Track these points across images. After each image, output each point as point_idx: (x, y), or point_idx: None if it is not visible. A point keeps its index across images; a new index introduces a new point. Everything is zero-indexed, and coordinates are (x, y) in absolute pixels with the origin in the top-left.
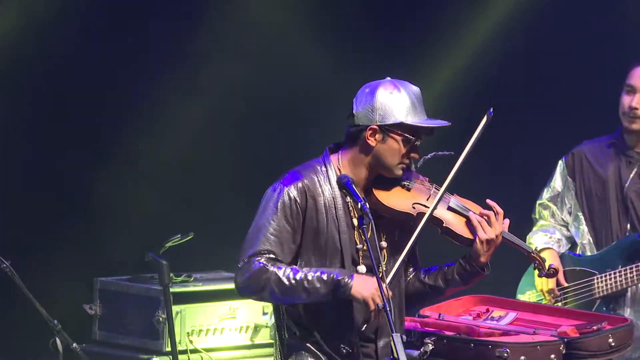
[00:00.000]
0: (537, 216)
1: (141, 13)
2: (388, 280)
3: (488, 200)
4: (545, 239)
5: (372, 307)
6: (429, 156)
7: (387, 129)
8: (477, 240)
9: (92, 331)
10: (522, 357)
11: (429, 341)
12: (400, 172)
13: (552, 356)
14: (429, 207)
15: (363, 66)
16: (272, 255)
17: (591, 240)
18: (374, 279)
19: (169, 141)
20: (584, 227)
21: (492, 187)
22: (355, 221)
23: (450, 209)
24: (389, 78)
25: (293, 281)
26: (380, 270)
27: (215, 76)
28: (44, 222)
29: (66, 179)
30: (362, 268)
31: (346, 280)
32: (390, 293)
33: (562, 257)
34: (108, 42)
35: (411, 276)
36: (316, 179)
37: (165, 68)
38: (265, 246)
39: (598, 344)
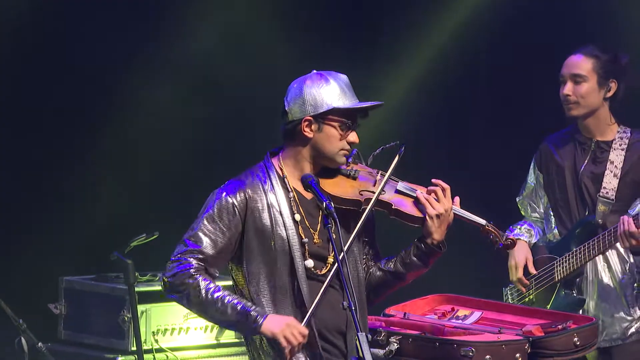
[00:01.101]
0: (522, 213)
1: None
2: (341, 254)
3: (433, 180)
4: (521, 230)
5: (284, 344)
6: (377, 151)
7: (321, 117)
8: (427, 217)
9: (58, 330)
10: (488, 356)
11: (394, 340)
12: (343, 160)
13: (517, 355)
14: (375, 192)
15: (331, 63)
16: (201, 256)
17: (557, 230)
18: (289, 317)
19: (134, 140)
20: (552, 218)
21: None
22: (297, 217)
23: (397, 191)
24: (314, 71)
25: (210, 297)
26: (327, 264)
27: (181, 75)
28: (7, 221)
29: (30, 177)
30: (309, 262)
31: (257, 317)
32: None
33: (533, 246)
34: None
35: (373, 267)
36: (257, 183)
37: (133, 66)
38: (197, 245)
39: (563, 343)
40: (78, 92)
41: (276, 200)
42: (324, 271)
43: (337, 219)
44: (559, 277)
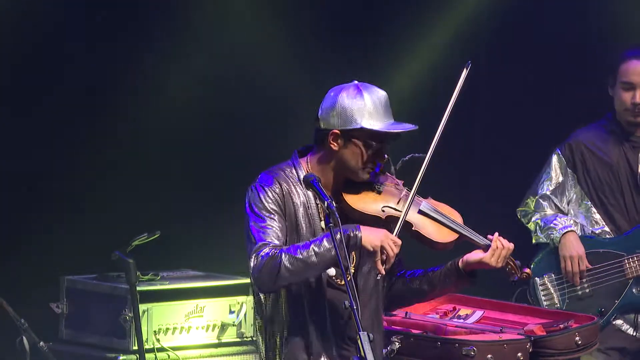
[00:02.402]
0: (531, 208)
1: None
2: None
3: (498, 238)
4: (568, 221)
5: (391, 252)
6: (406, 158)
7: (348, 134)
8: (487, 260)
9: (59, 330)
10: (489, 356)
11: (395, 339)
12: (365, 177)
13: (519, 354)
14: (399, 210)
15: (330, 65)
16: (274, 243)
17: (606, 228)
18: (382, 229)
19: (136, 140)
20: (597, 216)
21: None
22: (322, 223)
23: (420, 212)
24: (355, 81)
25: (303, 251)
26: (349, 274)
27: (183, 76)
28: (9, 221)
29: (32, 177)
30: (331, 270)
31: (355, 232)
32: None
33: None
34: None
35: (394, 279)
36: (289, 180)
37: (136, 66)
38: (264, 239)
39: (565, 342)
40: (78, 91)
41: (307, 202)
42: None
43: (339, 219)
44: (633, 275)
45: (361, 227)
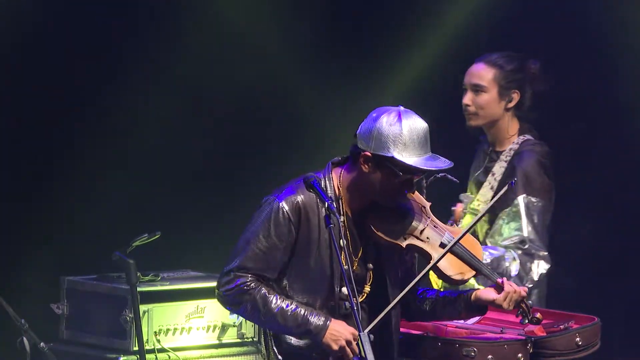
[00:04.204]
0: None
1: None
2: (370, 326)
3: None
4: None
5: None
6: (439, 175)
7: (380, 160)
8: (499, 302)
9: (59, 330)
10: (490, 356)
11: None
12: (392, 204)
13: (519, 355)
14: (420, 240)
15: (331, 68)
16: (258, 273)
17: None
18: (348, 328)
19: (136, 140)
20: None
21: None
22: (342, 242)
23: (442, 245)
24: (401, 107)
25: (272, 308)
26: (363, 293)
27: (180, 75)
28: (9, 220)
29: (32, 177)
30: (345, 290)
31: (319, 327)
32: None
33: None
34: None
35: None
36: (312, 197)
37: (131, 66)
38: (252, 263)
39: (565, 343)
40: (78, 91)
41: (323, 218)
42: (360, 299)
43: (339, 219)
44: None
45: (330, 324)
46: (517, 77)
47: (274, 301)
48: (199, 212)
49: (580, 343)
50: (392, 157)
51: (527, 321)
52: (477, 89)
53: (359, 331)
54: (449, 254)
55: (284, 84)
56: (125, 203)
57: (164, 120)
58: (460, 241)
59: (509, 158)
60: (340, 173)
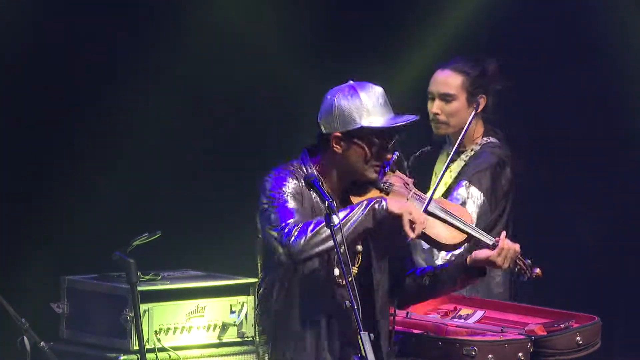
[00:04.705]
0: None
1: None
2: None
3: (503, 241)
4: None
5: (419, 219)
6: (417, 153)
7: (350, 135)
8: (494, 259)
9: (60, 330)
10: (490, 356)
11: (396, 339)
12: (373, 176)
13: (520, 354)
14: None
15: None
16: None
17: None
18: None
19: (135, 139)
20: None
21: None
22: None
23: (427, 212)
24: (351, 82)
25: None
26: (351, 273)
27: (180, 75)
28: (9, 221)
29: (32, 176)
30: (337, 270)
31: (380, 201)
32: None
33: None
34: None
35: (405, 277)
36: (300, 179)
37: (131, 66)
38: (296, 215)
39: (565, 342)
40: (78, 91)
41: (317, 202)
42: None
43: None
44: None
45: (387, 197)
46: (482, 82)
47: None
48: (199, 211)
49: (580, 342)
50: (361, 127)
51: (527, 278)
52: (446, 97)
53: (359, 330)
54: (438, 221)
55: (284, 84)
56: (125, 203)
57: (164, 120)
58: (449, 208)
59: (468, 157)
60: (317, 160)
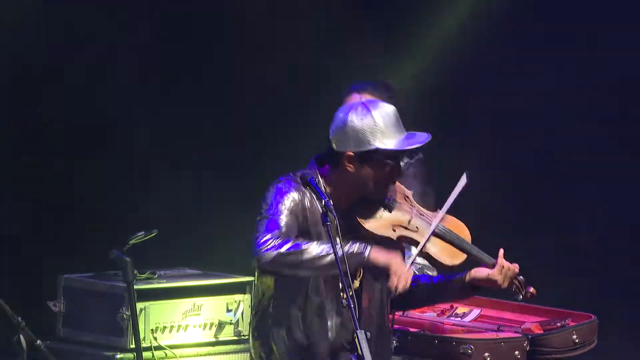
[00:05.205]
0: None
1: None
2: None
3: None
4: None
5: (402, 283)
6: (413, 160)
7: (363, 156)
8: (494, 278)
9: (56, 328)
10: (486, 354)
11: (393, 338)
12: (383, 196)
13: (516, 353)
14: (409, 229)
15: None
16: (282, 231)
17: None
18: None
19: (134, 140)
20: None
21: None
22: (338, 240)
23: (432, 232)
24: (363, 100)
25: (324, 251)
26: (358, 278)
27: (181, 75)
28: (9, 221)
29: (29, 176)
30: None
31: (364, 250)
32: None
33: None
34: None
35: None
36: (304, 193)
37: (131, 66)
38: (283, 230)
39: (562, 340)
40: (78, 92)
41: (319, 217)
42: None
43: (336, 217)
44: None
45: (373, 246)
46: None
47: (318, 243)
48: (196, 210)
49: (577, 341)
50: (376, 149)
51: (521, 297)
52: None
53: (356, 329)
54: (439, 240)
55: (284, 83)
56: (123, 201)
57: (164, 120)
58: (448, 226)
59: None
60: (325, 172)
